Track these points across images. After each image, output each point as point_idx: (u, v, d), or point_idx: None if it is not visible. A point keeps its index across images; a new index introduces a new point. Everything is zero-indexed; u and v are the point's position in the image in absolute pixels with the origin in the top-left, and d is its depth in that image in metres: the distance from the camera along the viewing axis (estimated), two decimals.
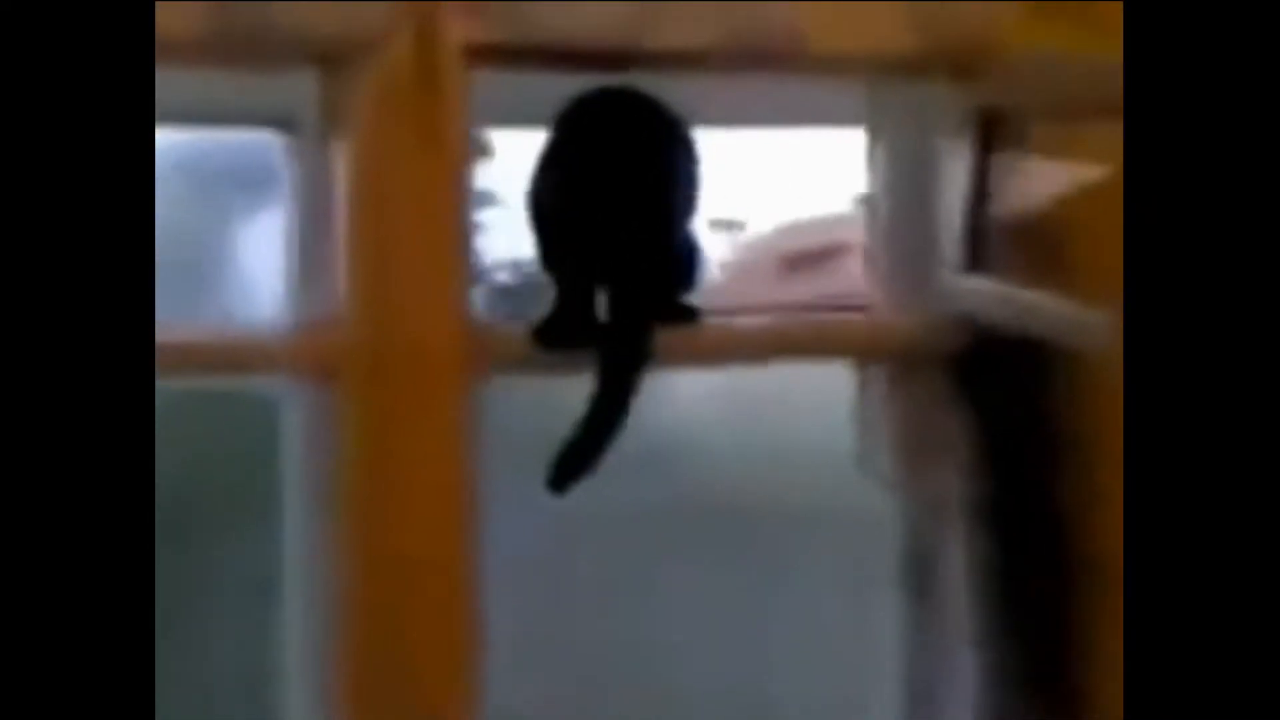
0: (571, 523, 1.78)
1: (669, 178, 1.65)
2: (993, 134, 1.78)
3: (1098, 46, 1.48)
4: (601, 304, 1.63)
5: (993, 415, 1.72)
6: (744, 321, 1.82)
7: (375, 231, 1.60)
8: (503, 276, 1.86)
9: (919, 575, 1.83)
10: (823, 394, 1.88)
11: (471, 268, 1.66)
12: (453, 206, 1.63)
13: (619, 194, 1.62)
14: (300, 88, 1.63)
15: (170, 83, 1.22)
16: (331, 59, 1.60)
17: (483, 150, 1.72)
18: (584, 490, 1.57)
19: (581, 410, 1.59)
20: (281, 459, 1.69)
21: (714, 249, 1.86)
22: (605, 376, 1.59)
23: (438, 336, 1.60)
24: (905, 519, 1.84)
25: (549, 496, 1.57)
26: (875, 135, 1.90)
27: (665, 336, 1.64)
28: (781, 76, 1.77)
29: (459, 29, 1.60)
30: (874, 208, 1.91)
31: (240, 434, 1.80)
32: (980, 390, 1.73)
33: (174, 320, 1.36)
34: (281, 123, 1.66)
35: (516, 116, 1.72)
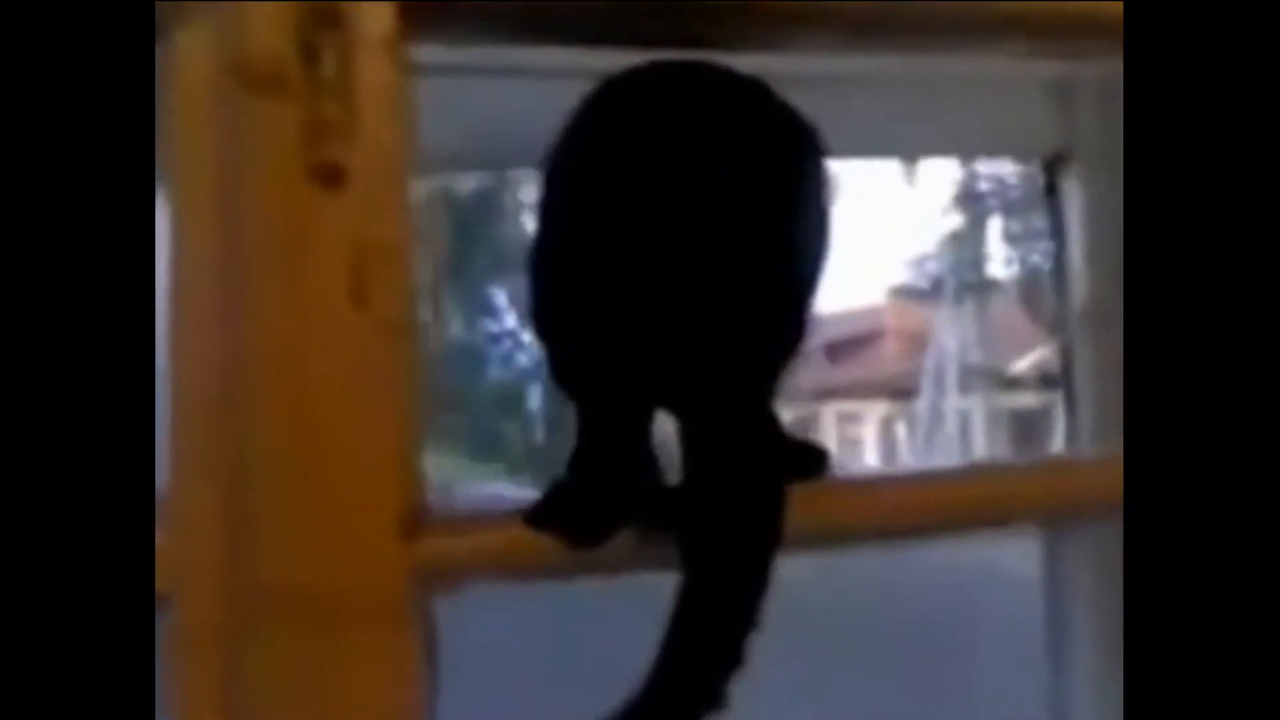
0: None
1: (797, 220, 0.91)
2: None
3: None
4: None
5: None
6: (902, 479, 1.08)
7: (219, 355, 0.84)
8: None
9: None
10: None
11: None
12: (386, 290, 0.88)
13: (713, 252, 0.88)
14: None
15: None
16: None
17: None
18: None
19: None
20: None
21: None
22: (712, 585, 0.86)
23: (360, 547, 0.85)
24: None
25: None
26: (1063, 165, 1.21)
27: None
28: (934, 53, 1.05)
29: None
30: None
31: None
32: None
33: None
34: None
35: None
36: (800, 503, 0.92)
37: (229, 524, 0.84)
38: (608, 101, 0.90)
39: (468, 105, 1.15)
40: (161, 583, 0.84)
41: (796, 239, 0.91)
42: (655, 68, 0.91)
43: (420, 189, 1.02)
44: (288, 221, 0.85)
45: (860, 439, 6.20)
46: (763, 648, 0.91)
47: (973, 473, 1.10)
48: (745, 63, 0.95)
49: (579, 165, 0.90)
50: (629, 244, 0.87)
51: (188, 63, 0.85)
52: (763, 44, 0.98)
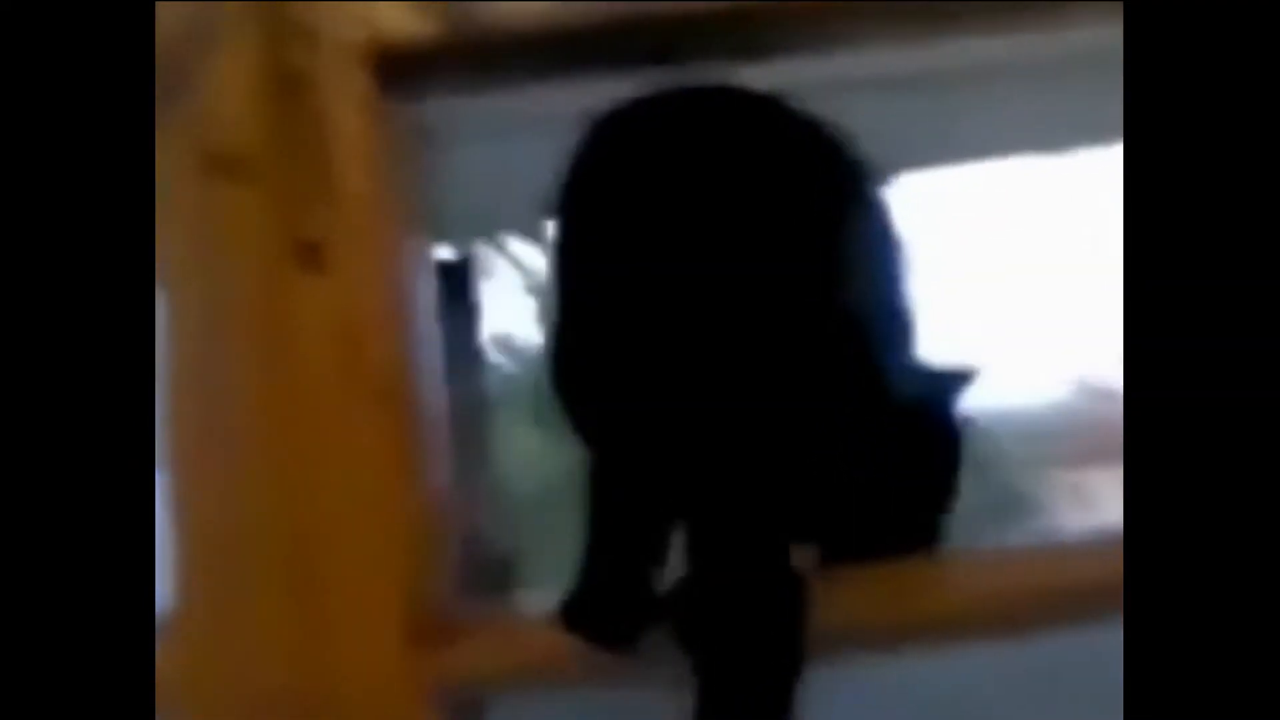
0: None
1: (834, 257, 0.80)
2: None
3: None
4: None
5: None
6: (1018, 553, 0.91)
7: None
8: None
9: None
10: None
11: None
12: (377, 363, 0.81)
13: (748, 309, 0.78)
14: None
15: None
16: None
17: None
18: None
19: None
20: None
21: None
22: (717, 694, 0.75)
23: (363, 655, 0.80)
24: None
25: None
26: None
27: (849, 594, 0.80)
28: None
29: (360, 22, 0.81)
30: None
31: None
32: None
33: None
34: None
35: None
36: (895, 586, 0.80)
37: (230, 636, 0.78)
38: (613, 141, 0.81)
39: None
40: (166, 702, 0.79)
41: (837, 279, 0.79)
42: (657, 99, 0.81)
43: None
44: (272, 306, 0.80)
45: None
46: None
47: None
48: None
49: (590, 213, 0.80)
50: (638, 307, 0.78)
51: (160, 153, 0.81)
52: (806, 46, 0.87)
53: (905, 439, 0.84)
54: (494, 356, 1.16)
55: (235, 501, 0.79)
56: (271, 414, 0.80)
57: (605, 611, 0.78)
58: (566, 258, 0.80)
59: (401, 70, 0.82)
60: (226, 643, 0.79)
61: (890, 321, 0.82)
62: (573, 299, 0.80)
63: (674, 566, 0.77)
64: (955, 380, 0.88)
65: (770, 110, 0.81)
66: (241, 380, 0.80)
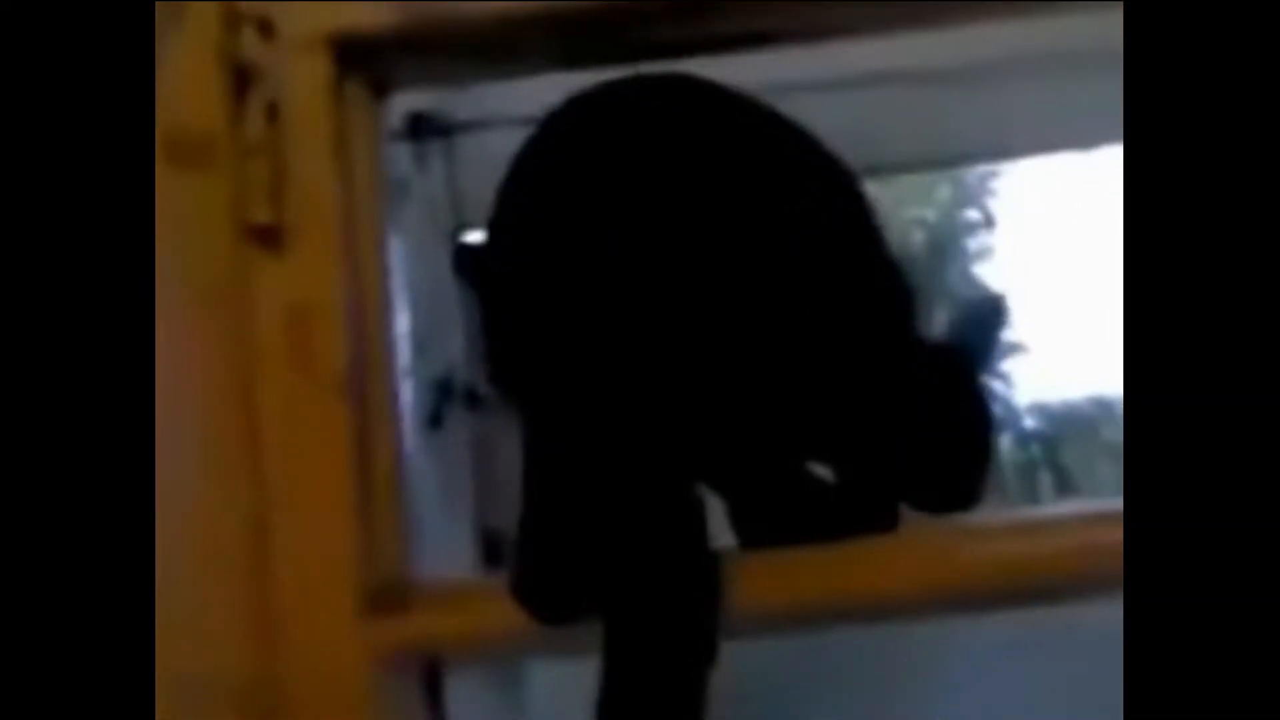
0: None
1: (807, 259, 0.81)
2: None
3: None
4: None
5: None
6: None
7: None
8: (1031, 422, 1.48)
9: None
10: None
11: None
12: (327, 350, 0.82)
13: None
14: None
15: None
16: None
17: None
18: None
19: None
20: None
21: None
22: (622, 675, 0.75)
23: (314, 629, 0.81)
24: None
25: None
26: None
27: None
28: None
29: (318, 11, 0.82)
30: None
31: None
32: None
33: None
34: None
35: None
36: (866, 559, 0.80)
37: (183, 612, 0.80)
38: (589, 124, 0.81)
39: None
40: None
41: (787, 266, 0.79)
42: (635, 84, 0.82)
43: None
44: (227, 290, 0.82)
45: None
46: None
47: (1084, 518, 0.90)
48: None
49: (556, 206, 0.81)
50: (571, 288, 0.79)
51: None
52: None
53: (916, 405, 0.84)
54: None
55: (188, 479, 0.81)
56: (224, 393, 0.81)
57: (548, 587, 0.80)
58: (515, 244, 0.81)
59: (362, 59, 0.83)
60: (179, 619, 0.80)
61: (867, 301, 0.82)
62: (509, 284, 0.81)
63: None
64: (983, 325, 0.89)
65: (716, 99, 0.81)
66: (194, 362, 0.82)
